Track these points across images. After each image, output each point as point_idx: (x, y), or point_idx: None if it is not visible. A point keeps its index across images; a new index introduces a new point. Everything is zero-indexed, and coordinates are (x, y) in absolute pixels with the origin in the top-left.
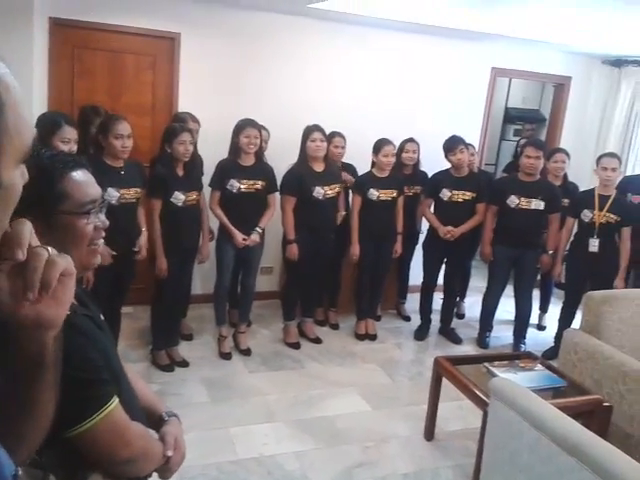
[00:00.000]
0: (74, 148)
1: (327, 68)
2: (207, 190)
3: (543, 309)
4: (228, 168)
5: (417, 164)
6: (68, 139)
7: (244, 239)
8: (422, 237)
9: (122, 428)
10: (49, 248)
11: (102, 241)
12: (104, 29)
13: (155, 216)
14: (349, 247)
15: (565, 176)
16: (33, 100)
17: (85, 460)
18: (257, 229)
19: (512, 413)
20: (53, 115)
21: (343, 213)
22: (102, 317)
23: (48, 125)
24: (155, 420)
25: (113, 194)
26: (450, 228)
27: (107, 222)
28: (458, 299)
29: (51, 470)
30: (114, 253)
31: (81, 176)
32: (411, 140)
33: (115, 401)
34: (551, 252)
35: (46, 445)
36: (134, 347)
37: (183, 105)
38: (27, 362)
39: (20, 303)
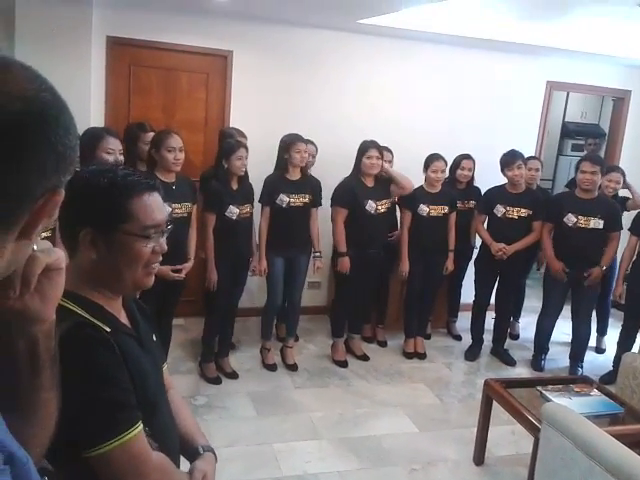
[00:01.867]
0: (120, 158)
1: (378, 83)
2: (257, 206)
3: (601, 331)
4: (276, 183)
5: (472, 179)
6: (112, 149)
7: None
8: (475, 252)
9: (140, 459)
10: (34, 244)
11: (158, 264)
12: (159, 47)
13: (209, 230)
14: (398, 263)
15: (615, 196)
16: (91, 116)
17: None
18: (317, 254)
19: (565, 440)
20: (95, 129)
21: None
22: (154, 338)
23: (91, 139)
24: (191, 452)
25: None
26: (502, 245)
27: (165, 247)
28: (512, 319)
29: None
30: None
31: (151, 199)
32: (467, 157)
33: (137, 429)
34: (604, 267)
35: (65, 461)
36: (184, 359)
37: (234, 121)
38: (19, 358)
39: (4, 299)
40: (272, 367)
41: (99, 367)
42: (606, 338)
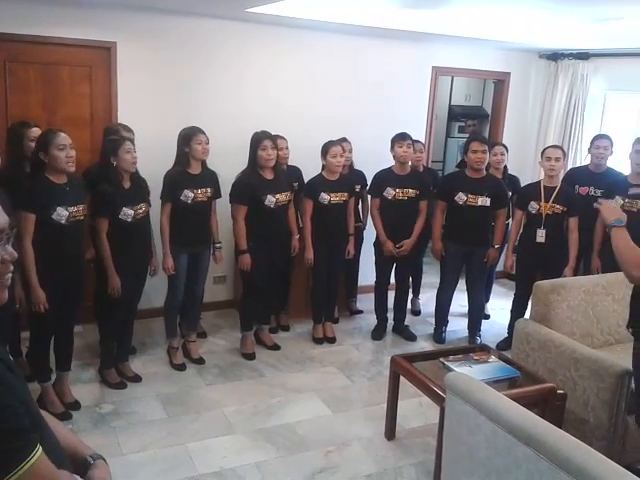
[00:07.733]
0: None
1: (268, 72)
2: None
3: (485, 298)
4: (179, 179)
5: (352, 163)
6: None
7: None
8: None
9: (49, 478)
10: None
11: (10, 275)
12: (36, 41)
13: (102, 235)
14: (300, 251)
15: (505, 169)
16: None
17: None
18: (217, 245)
19: (468, 407)
20: None
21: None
22: (10, 357)
23: None
24: (80, 464)
25: (63, 213)
26: (397, 247)
27: (15, 254)
28: (413, 296)
29: None
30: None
31: None
32: (344, 140)
33: (39, 450)
34: (497, 246)
35: None
36: (85, 367)
37: (122, 116)
38: None
39: None
40: (181, 367)
41: None
42: (489, 304)
